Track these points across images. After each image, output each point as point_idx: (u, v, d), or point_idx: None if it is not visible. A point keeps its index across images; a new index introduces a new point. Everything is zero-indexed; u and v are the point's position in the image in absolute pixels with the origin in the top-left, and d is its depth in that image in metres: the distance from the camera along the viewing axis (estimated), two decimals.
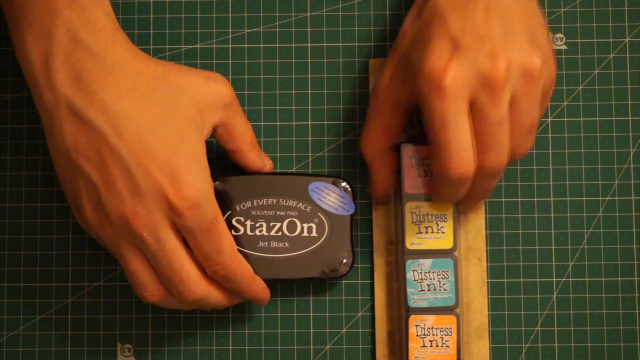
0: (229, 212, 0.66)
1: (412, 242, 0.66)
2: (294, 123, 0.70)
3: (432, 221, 0.66)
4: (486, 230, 0.69)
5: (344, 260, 0.66)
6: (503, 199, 0.69)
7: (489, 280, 0.68)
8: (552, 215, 0.69)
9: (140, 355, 0.69)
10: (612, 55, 0.70)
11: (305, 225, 0.66)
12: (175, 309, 0.66)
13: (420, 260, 0.65)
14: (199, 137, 0.60)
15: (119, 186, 0.57)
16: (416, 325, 0.65)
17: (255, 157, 0.65)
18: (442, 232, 0.66)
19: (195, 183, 0.58)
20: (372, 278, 0.68)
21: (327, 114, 0.70)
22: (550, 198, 0.69)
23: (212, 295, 0.62)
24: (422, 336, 0.65)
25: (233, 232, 0.66)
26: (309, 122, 0.70)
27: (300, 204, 0.66)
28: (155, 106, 0.58)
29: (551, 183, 0.69)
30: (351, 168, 0.69)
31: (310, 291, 0.69)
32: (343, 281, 0.69)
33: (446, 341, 0.65)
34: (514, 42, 0.59)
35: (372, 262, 0.69)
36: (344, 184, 0.67)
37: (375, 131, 0.65)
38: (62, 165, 0.59)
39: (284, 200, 0.66)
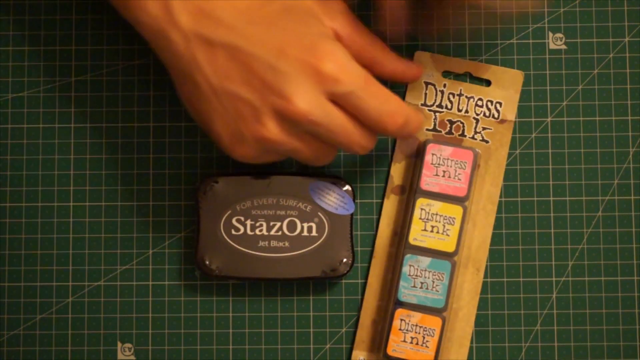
0: (229, 211, 0.66)
1: (416, 237, 0.66)
2: None
3: (439, 221, 0.66)
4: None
5: (344, 260, 0.66)
6: (503, 199, 0.69)
7: (489, 279, 0.69)
8: (552, 214, 0.69)
9: (141, 355, 0.69)
10: (611, 55, 0.70)
11: (305, 225, 0.66)
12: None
13: (419, 257, 0.66)
14: (324, 27, 0.60)
15: (269, 85, 0.58)
16: (401, 319, 0.65)
17: (395, 65, 0.64)
18: (447, 235, 0.66)
19: (335, 50, 0.59)
20: (369, 262, 0.68)
21: None
22: (550, 198, 0.69)
23: (411, 111, 0.62)
24: (404, 331, 0.65)
25: (233, 232, 0.66)
26: None
27: (300, 204, 0.66)
28: (277, 11, 0.60)
29: (551, 183, 0.69)
30: (351, 168, 0.69)
31: (310, 291, 0.69)
32: (343, 281, 0.69)
33: (427, 341, 0.65)
34: None
35: (372, 248, 0.69)
36: (344, 183, 0.67)
37: None
38: (205, 101, 0.60)
39: (284, 200, 0.66)
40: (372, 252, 0.69)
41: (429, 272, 0.66)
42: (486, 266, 0.68)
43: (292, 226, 0.66)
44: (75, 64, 0.70)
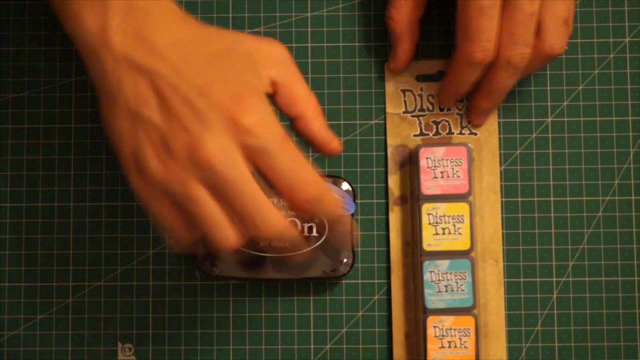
0: None
1: (429, 243, 0.66)
2: None
3: (449, 222, 0.66)
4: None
5: (345, 260, 0.66)
6: (503, 199, 0.69)
7: None
8: (552, 215, 0.69)
9: (141, 355, 0.69)
10: (612, 55, 0.70)
11: (306, 225, 0.66)
12: (247, 251, 0.63)
13: (438, 262, 0.66)
14: (257, 79, 0.59)
15: (182, 119, 0.57)
16: (434, 327, 0.65)
17: (321, 127, 0.62)
18: (459, 233, 0.66)
19: (258, 103, 0.57)
20: (388, 279, 0.68)
21: (328, 114, 0.70)
22: (550, 198, 0.69)
23: (290, 228, 0.59)
24: (440, 337, 0.65)
25: None
26: None
27: None
28: (212, 50, 0.58)
29: (551, 183, 0.69)
30: (351, 168, 0.69)
31: (310, 291, 0.69)
32: (343, 281, 0.69)
33: (464, 342, 0.65)
34: None
35: (388, 263, 0.69)
36: (344, 183, 0.67)
37: (406, 5, 0.67)
38: (119, 121, 0.59)
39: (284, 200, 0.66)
40: (388, 267, 0.69)
41: (451, 273, 0.66)
42: (503, 267, 0.68)
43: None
44: (75, 64, 0.70)
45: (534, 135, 0.69)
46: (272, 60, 0.60)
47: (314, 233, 0.66)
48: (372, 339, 0.68)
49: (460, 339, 0.65)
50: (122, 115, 0.58)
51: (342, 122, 0.70)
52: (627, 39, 0.70)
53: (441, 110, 0.69)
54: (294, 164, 0.57)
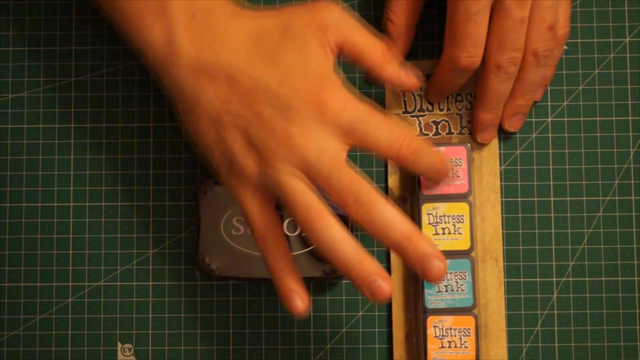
0: (229, 211, 0.66)
1: None
2: None
3: (448, 222, 0.66)
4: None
5: None
6: (503, 199, 0.69)
7: None
8: (552, 215, 0.69)
9: (141, 355, 0.69)
10: (612, 55, 0.70)
11: None
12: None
13: None
14: (326, 54, 0.59)
15: (268, 114, 0.57)
16: (434, 327, 0.65)
17: (393, 71, 0.62)
18: (459, 233, 0.66)
19: (336, 81, 0.58)
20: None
21: None
22: (550, 198, 0.69)
23: (383, 201, 0.58)
24: (440, 337, 0.65)
25: (233, 232, 0.66)
26: None
27: None
28: (278, 41, 0.59)
29: (551, 183, 0.69)
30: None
31: (310, 291, 0.69)
32: (343, 281, 0.69)
33: (465, 342, 0.65)
34: None
35: (388, 263, 0.69)
36: None
37: (403, 8, 0.67)
38: (206, 130, 0.59)
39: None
40: (389, 267, 0.69)
41: (451, 273, 0.66)
42: (503, 267, 0.68)
43: (292, 226, 0.66)
44: (75, 64, 0.70)
45: (534, 135, 0.69)
46: (328, 26, 0.60)
47: None
48: (372, 339, 0.68)
49: (461, 339, 0.65)
50: (206, 122, 0.59)
51: None
52: (627, 39, 0.70)
53: (441, 110, 0.69)
54: (389, 126, 0.59)
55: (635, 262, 0.68)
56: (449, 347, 0.65)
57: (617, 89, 0.70)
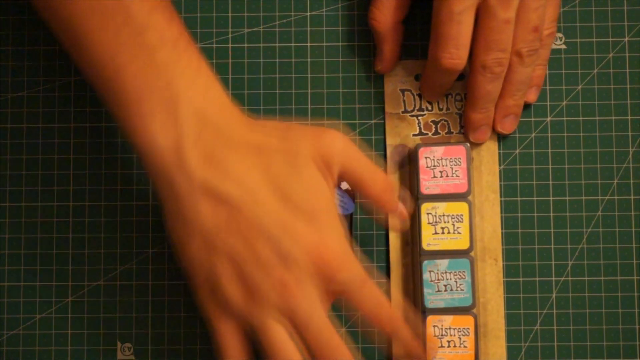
0: None
1: (429, 242, 0.66)
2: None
3: (448, 222, 0.66)
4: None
5: None
6: (503, 198, 0.69)
7: None
8: (552, 214, 0.69)
9: (140, 355, 0.69)
10: (611, 55, 0.70)
11: None
12: None
13: (437, 261, 0.66)
14: (327, 193, 0.58)
15: (266, 256, 0.56)
16: (434, 326, 0.65)
17: (387, 201, 0.62)
18: (459, 233, 0.66)
19: (340, 239, 0.57)
20: (388, 279, 0.68)
21: (327, 113, 0.70)
22: (549, 197, 0.69)
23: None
24: (439, 337, 0.65)
25: None
26: (309, 122, 0.70)
27: None
28: (280, 176, 0.57)
29: (550, 182, 0.69)
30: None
31: None
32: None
33: (464, 342, 0.65)
34: None
35: (387, 263, 0.69)
36: (344, 183, 0.67)
37: (389, 6, 0.67)
38: (195, 248, 0.57)
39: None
40: (388, 267, 0.69)
41: (450, 273, 0.66)
42: (502, 266, 0.68)
43: None
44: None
45: (533, 135, 0.69)
46: (334, 157, 0.59)
47: None
48: (372, 339, 0.68)
49: (460, 338, 0.65)
50: (198, 241, 0.57)
51: (341, 121, 0.70)
52: (627, 39, 0.70)
53: (440, 109, 0.69)
54: (375, 301, 0.58)
55: (634, 261, 0.68)
56: (448, 346, 0.65)
57: (616, 88, 0.70)
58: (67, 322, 0.69)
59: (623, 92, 0.70)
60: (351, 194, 0.67)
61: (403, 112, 0.69)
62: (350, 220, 0.67)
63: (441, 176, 0.66)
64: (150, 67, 0.56)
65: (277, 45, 0.70)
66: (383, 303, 0.59)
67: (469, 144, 0.67)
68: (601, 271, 0.68)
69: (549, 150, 0.69)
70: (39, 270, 0.69)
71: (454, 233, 0.66)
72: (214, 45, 0.70)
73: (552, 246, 0.69)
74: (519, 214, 0.69)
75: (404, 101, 0.70)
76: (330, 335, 0.58)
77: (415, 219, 0.67)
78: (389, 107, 0.69)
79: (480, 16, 0.64)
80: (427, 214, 0.66)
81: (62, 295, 0.69)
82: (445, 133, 0.69)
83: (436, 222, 0.66)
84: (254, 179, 0.57)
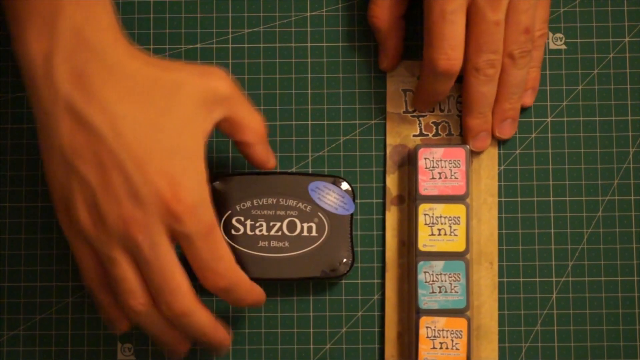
0: (229, 211, 0.66)
1: (425, 243, 0.66)
2: (293, 123, 0.70)
3: (445, 223, 0.66)
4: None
5: (344, 260, 0.66)
6: (503, 199, 0.69)
7: None
8: (552, 214, 0.69)
9: (140, 355, 0.69)
10: (611, 55, 0.70)
11: (305, 225, 0.66)
12: (155, 332, 0.62)
13: (432, 262, 0.66)
14: (198, 137, 0.58)
15: (117, 189, 0.56)
16: (427, 327, 0.65)
17: (261, 151, 0.63)
18: (455, 235, 0.66)
19: (193, 187, 0.57)
20: (383, 278, 0.68)
21: (327, 114, 0.70)
22: (550, 198, 0.69)
23: (199, 313, 0.60)
24: (432, 338, 0.65)
25: (233, 232, 0.66)
26: (309, 122, 0.70)
27: (300, 204, 0.66)
28: (153, 108, 0.57)
29: (551, 183, 0.69)
30: (351, 168, 0.69)
31: (310, 291, 0.69)
32: (343, 281, 0.69)
33: (456, 344, 0.65)
34: None
35: (383, 262, 0.69)
36: (344, 183, 0.67)
37: (386, 1, 0.67)
38: (54, 164, 0.58)
39: (284, 200, 0.66)
40: (383, 266, 0.69)
41: (445, 274, 0.66)
42: (498, 270, 0.68)
43: (292, 226, 0.66)
44: None
45: (533, 135, 0.69)
46: (215, 101, 0.59)
47: (314, 233, 0.66)
48: (372, 339, 0.68)
49: (452, 340, 0.65)
50: (57, 158, 0.57)
51: (341, 122, 0.70)
52: (627, 39, 0.70)
53: (441, 111, 0.69)
54: (211, 256, 0.59)
55: (635, 261, 0.68)
56: (441, 348, 0.65)
57: (617, 88, 0.70)
58: (67, 323, 0.69)
59: (623, 93, 0.70)
60: (351, 195, 0.67)
61: (404, 112, 0.69)
62: (350, 221, 0.67)
63: (440, 178, 0.66)
64: None
65: (277, 45, 0.70)
66: (222, 257, 0.59)
67: (468, 146, 0.67)
68: (601, 272, 0.68)
69: (549, 151, 0.69)
70: (39, 271, 0.69)
71: (450, 235, 0.66)
72: (214, 46, 0.70)
73: (553, 247, 0.69)
74: (519, 215, 0.69)
75: (405, 101, 0.70)
76: (171, 276, 0.58)
77: (412, 219, 0.67)
78: (391, 106, 0.69)
79: (470, 18, 0.64)
80: (425, 214, 0.66)
81: (62, 295, 0.69)
82: (446, 135, 0.69)
83: (433, 223, 0.66)
84: (121, 107, 0.56)
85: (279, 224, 0.66)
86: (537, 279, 0.68)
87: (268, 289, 0.68)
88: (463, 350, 0.65)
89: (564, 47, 0.70)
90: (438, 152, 0.66)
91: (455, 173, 0.66)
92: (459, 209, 0.66)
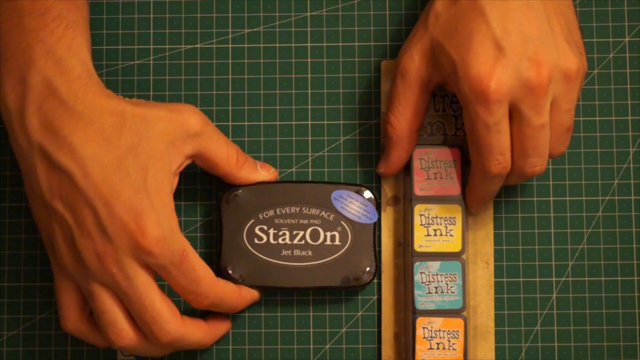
0: (252, 220, 0.66)
1: (421, 244, 0.66)
2: (293, 123, 0.70)
3: (441, 224, 0.66)
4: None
5: (367, 269, 0.66)
6: (503, 199, 0.69)
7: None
8: (552, 214, 0.69)
9: (140, 355, 0.68)
10: (611, 55, 0.70)
11: (329, 234, 0.66)
12: (151, 356, 0.65)
13: (428, 263, 0.66)
14: (165, 172, 0.60)
15: (88, 226, 0.59)
16: (423, 328, 0.65)
17: (248, 175, 0.65)
18: (451, 235, 0.66)
19: (159, 220, 0.59)
20: (379, 279, 0.68)
21: (327, 114, 0.70)
22: (550, 198, 0.69)
23: (189, 333, 0.62)
24: (429, 338, 0.65)
25: (256, 241, 0.66)
26: (309, 122, 0.70)
27: (323, 212, 0.66)
28: (121, 147, 0.59)
29: (551, 183, 0.69)
30: (351, 167, 0.69)
31: (310, 291, 0.69)
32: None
33: (453, 344, 0.65)
34: (555, 42, 0.60)
35: (379, 264, 0.68)
36: (366, 192, 0.67)
37: (405, 113, 0.65)
38: (38, 206, 0.61)
39: (307, 209, 0.66)
40: (379, 267, 0.68)
41: (441, 275, 0.66)
42: (494, 270, 0.68)
43: (315, 235, 0.66)
44: None
45: None
46: (185, 137, 0.62)
47: (337, 242, 0.66)
48: (372, 339, 0.68)
49: (449, 340, 0.65)
50: (39, 201, 0.61)
51: (341, 122, 0.70)
52: (627, 39, 0.70)
53: (436, 111, 0.69)
54: (189, 280, 0.61)
55: (635, 261, 0.68)
56: (437, 348, 0.65)
57: (617, 88, 0.70)
58: None
59: (623, 93, 0.70)
60: (374, 203, 0.67)
61: None
62: (373, 229, 0.66)
63: (435, 178, 0.66)
64: (16, 30, 0.60)
65: (277, 45, 0.70)
66: (201, 278, 0.62)
67: (463, 147, 0.67)
68: (602, 272, 0.68)
69: None
70: (39, 271, 0.69)
71: (446, 235, 0.66)
72: (214, 46, 0.70)
73: (553, 246, 0.69)
74: (519, 215, 0.69)
75: None
76: (150, 306, 0.60)
77: (408, 220, 0.67)
78: (385, 106, 0.69)
79: (514, 122, 0.61)
80: (420, 215, 0.66)
81: None
82: (441, 135, 0.69)
83: (429, 224, 0.66)
84: (89, 149, 0.59)
85: (302, 232, 0.66)
86: (537, 279, 0.68)
87: (267, 290, 0.68)
88: (460, 350, 0.65)
89: None
90: (433, 152, 0.66)
91: (450, 173, 0.66)
92: (454, 209, 0.66)
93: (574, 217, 0.69)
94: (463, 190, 0.66)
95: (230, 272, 0.66)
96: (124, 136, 0.60)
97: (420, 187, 0.66)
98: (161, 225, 0.59)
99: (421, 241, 0.66)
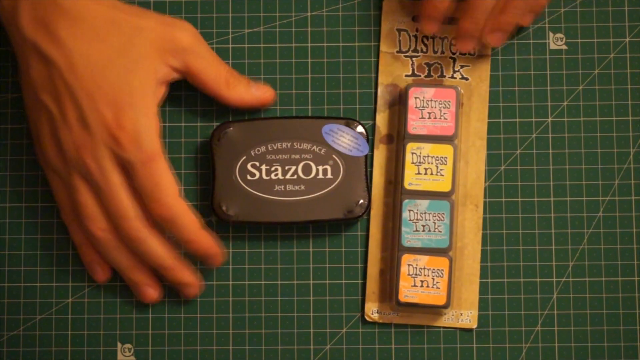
0: (244, 157, 0.66)
1: (411, 182, 0.66)
2: None
3: (432, 163, 0.66)
4: (485, 230, 0.69)
5: (360, 201, 0.66)
6: (503, 199, 0.69)
7: (489, 280, 0.68)
8: (552, 215, 0.69)
9: (141, 355, 0.69)
10: (612, 55, 0.70)
11: (320, 168, 0.67)
12: (122, 265, 0.66)
13: (417, 201, 0.66)
14: (150, 77, 0.63)
15: (70, 117, 0.62)
16: (408, 265, 0.65)
17: (240, 95, 0.67)
18: (441, 175, 0.66)
19: (138, 117, 0.62)
20: (368, 215, 0.68)
21: (327, 114, 0.70)
22: (550, 198, 0.69)
23: (149, 240, 0.64)
24: (413, 275, 0.65)
25: (249, 177, 0.66)
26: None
27: (314, 147, 0.67)
28: (111, 48, 0.62)
29: (551, 183, 0.69)
30: (349, 105, 0.69)
31: (310, 291, 0.69)
32: (343, 281, 0.68)
33: (437, 282, 0.65)
34: None
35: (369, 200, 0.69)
36: (359, 126, 0.67)
37: None
38: (29, 99, 0.64)
39: (298, 144, 0.67)
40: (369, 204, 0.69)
41: (429, 214, 0.66)
42: (487, 266, 0.68)
43: (307, 169, 0.66)
44: None
45: (534, 136, 0.69)
46: (174, 50, 0.64)
47: (329, 175, 0.66)
48: (372, 339, 0.68)
49: (434, 279, 0.65)
50: (30, 93, 0.64)
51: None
52: (627, 39, 0.70)
53: (435, 52, 0.69)
54: (152, 184, 0.63)
55: (635, 262, 0.68)
56: (421, 286, 0.65)
57: (617, 89, 0.70)
58: (67, 323, 0.69)
59: (624, 93, 0.70)
60: (365, 136, 0.67)
61: (397, 51, 0.70)
62: (365, 162, 0.67)
63: (429, 117, 0.66)
64: None
65: (277, 45, 0.70)
66: (164, 186, 0.63)
67: (459, 88, 0.67)
68: (602, 272, 0.68)
69: (550, 151, 0.69)
70: (39, 271, 0.69)
71: (436, 175, 0.66)
72: (215, 46, 0.70)
73: (553, 247, 0.69)
74: (520, 215, 0.69)
75: (399, 41, 0.70)
76: (119, 200, 0.63)
77: (399, 157, 0.67)
78: (384, 46, 0.69)
79: None
80: (412, 153, 0.66)
81: (62, 296, 0.69)
82: (438, 76, 0.69)
83: (420, 162, 0.66)
84: (77, 44, 0.62)
85: (294, 167, 0.66)
86: (538, 279, 0.68)
87: (268, 289, 0.68)
88: (443, 289, 0.65)
89: (564, 47, 0.70)
90: (429, 92, 0.67)
91: (445, 114, 0.66)
92: (446, 149, 0.66)
93: (575, 217, 0.69)
94: (457, 132, 0.66)
95: (224, 209, 0.66)
96: (114, 38, 0.62)
97: (413, 125, 0.66)
98: (138, 123, 0.62)
99: (411, 179, 0.66)
